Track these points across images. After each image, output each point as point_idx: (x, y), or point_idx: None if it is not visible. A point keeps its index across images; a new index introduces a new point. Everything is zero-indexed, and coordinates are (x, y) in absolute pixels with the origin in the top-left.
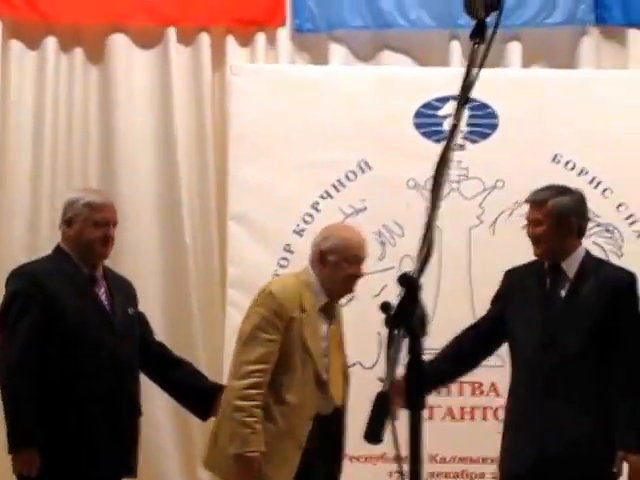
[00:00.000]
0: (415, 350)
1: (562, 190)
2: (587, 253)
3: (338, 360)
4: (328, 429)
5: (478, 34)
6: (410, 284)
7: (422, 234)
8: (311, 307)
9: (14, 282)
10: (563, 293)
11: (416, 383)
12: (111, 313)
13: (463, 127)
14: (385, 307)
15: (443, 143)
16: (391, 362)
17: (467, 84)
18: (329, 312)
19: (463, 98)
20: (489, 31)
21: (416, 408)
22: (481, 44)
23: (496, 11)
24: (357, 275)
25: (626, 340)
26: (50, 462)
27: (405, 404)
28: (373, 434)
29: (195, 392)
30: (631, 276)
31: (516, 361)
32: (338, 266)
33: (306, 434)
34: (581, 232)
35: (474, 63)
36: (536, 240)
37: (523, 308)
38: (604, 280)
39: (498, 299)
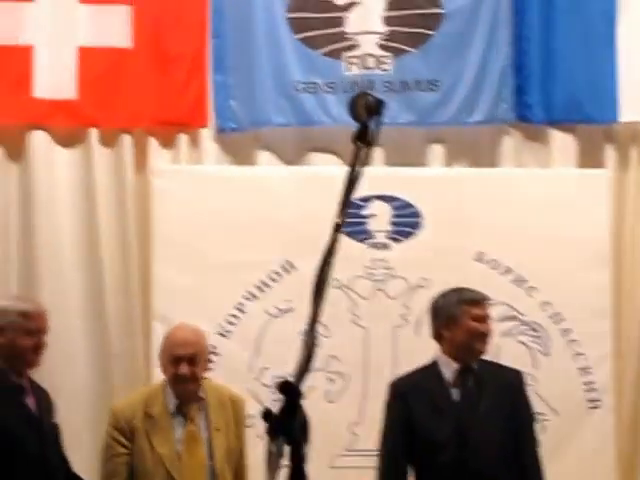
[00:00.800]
0: (296, 458)
1: None
2: None
3: (197, 459)
4: None
5: (361, 137)
6: (290, 391)
7: (303, 338)
8: (160, 412)
9: None
10: (474, 393)
11: None
12: (40, 422)
13: (387, 226)
14: (266, 415)
15: (367, 243)
16: (271, 472)
17: (350, 185)
18: (186, 413)
19: (346, 199)
20: (373, 133)
21: None
22: (365, 147)
23: (378, 115)
24: (178, 375)
25: (529, 439)
26: None
27: None
28: None
29: None
30: (522, 373)
31: (431, 467)
32: (165, 369)
33: None
34: None
35: (358, 165)
36: (489, 337)
37: (433, 415)
38: (504, 379)
39: (399, 421)
